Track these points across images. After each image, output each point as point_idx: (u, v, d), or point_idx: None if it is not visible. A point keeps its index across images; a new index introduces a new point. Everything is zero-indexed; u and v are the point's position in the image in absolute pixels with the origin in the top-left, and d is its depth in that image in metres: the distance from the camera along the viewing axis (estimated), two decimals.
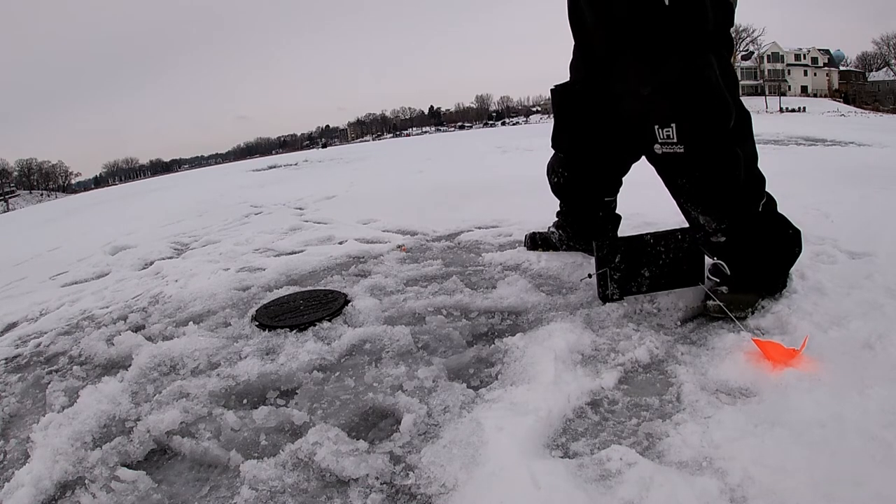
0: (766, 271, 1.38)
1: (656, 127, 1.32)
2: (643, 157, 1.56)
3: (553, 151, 1.86)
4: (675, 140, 1.30)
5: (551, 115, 1.83)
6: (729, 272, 1.41)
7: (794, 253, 1.41)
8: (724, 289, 1.38)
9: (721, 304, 1.32)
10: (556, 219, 2.03)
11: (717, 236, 1.38)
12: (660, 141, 1.33)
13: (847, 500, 0.74)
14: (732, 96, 1.28)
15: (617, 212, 1.91)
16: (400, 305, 1.63)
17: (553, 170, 1.88)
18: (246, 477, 0.94)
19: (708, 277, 1.47)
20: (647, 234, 1.42)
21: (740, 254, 1.37)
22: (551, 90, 1.75)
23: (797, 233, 1.42)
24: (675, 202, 1.48)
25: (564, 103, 1.74)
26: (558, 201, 1.96)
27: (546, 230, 2.06)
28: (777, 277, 1.39)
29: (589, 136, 1.70)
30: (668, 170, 1.38)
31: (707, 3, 1.26)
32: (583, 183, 1.82)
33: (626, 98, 1.42)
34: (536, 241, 2.05)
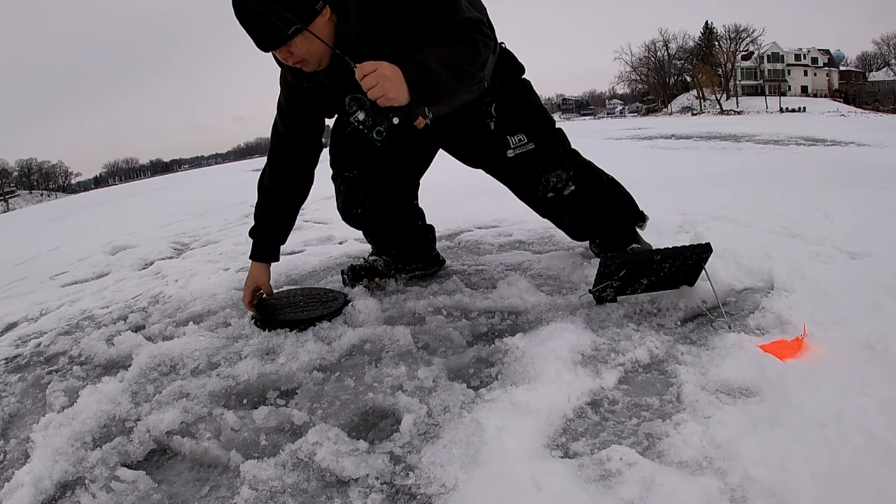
0: (620, 205, 1.75)
1: (508, 136, 1.61)
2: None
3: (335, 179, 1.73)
4: (526, 141, 1.62)
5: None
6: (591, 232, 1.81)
7: (625, 190, 1.79)
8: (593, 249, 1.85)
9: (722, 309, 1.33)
10: (373, 248, 1.91)
11: (568, 187, 1.67)
12: (513, 146, 1.62)
13: (847, 499, 0.74)
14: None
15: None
16: (400, 305, 1.63)
17: (352, 202, 1.73)
18: (246, 477, 0.94)
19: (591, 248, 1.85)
20: (657, 252, 1.38)
21: (592, 196, 1.71)
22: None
23: (613, 177, 1.80)
24: (523, 194, 1.75)
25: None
26: (369, 236, 1.86)
27: (364, 260, 1.88)
28: (633, 207, 1.77)
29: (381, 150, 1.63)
30: (522, 165, 1.64)
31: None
32: (390, 199, 1.74)
33: (458, 126, 1.62)
34: (359, 273, 1.80)
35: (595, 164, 1.78)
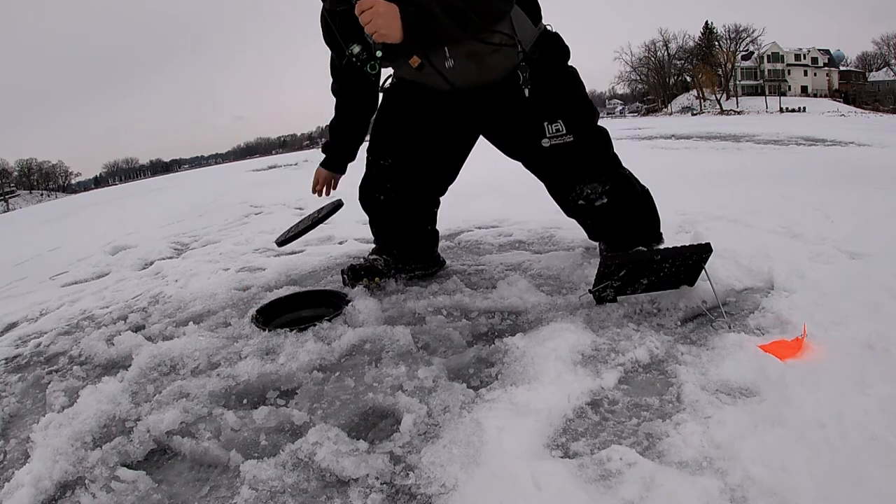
0: (646, 215, 1.71)
1: (545, 123, 1.54)
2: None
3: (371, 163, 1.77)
4: (564, 132, 1.54)
5: None
6: (609, 240, 1.73)
7: (654, 205, 1.74)
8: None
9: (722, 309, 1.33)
10: (375, 244, 1.92)
11: (601, 199, 1.62)
12: (549, 135, 1.55)
13: (847, 499, 0.74)
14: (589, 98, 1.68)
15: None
16: (400, 305, 1.63)
17: (376, 187, 1.75)
18: (246, 477, 0.94)
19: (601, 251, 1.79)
20: (657, 252, 1.38)
21: (621, 211, 1.65)
22: (384, 90, 1.75)
23: (647, 189, 1.73)
24: (556, 187, 1.70)
25: (395, 102, 1.71)
26: (376, 227, 1.88)
27: (364, 260, 1.86)
28: (655, 227, 1.73)
29: (426, 142, 1.67)
30: (557, 159, 1.59)
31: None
32: (414, 195, 1.75)
33: (495, 100, 1.59)
34: (358, 272, 1.78)
35: (633, 174, 1.71)
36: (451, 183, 1.86)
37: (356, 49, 1.30)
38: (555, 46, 1.60)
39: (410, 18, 1.23)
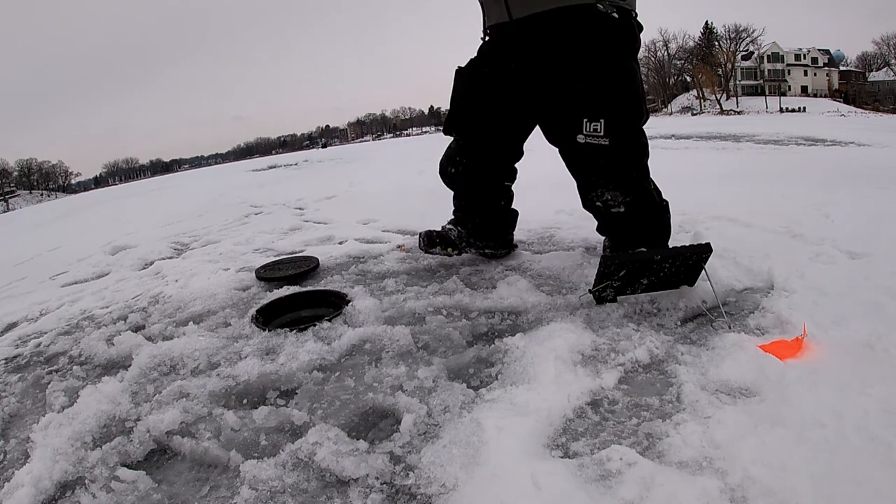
0: (657, 228, 1.70)
1: (585, 120, 1.52)
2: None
3: (447, 147, 1.89)
4: (601, 133, 1.52)
5: None
6: (615, 240, 1.75)
7: (668, 220, 1.74)
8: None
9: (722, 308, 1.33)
10: (453, 216, 2.00)
11: (618, 208, 1.64)
12: (585, 132, 1.53)
13: (847, 499, 0.74)
14: (644, 100, 1.59)
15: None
16: (400, 305, 1.63)
17: (450, 160, 1.88)
18: (246, 477, 0.94)
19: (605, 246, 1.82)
20: (657, 252, 1.38)
21: (634, 220, 1.66)
22: (456, 70, 1.80)
23: (667, 203, 1.74)
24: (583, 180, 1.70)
25: (470, 84, 1.77)
26: (456, 199, 1.98)
27: (442, 228, 1.94)
28: (664, 241, 1.71)
29: (489, 119, 1.74)
30: (587, 157, 1.59)
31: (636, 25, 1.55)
32: (483, 169, 1.84)
33: (549, 88, 1.58)
34: (434, 240, 1.88)
35: (657, 187, 1.72)
36: (516, 160, 1.90)
37: None
38: (629, 33, 1.52)
39: None
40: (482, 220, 1.91)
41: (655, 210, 1.69)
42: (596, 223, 1.83)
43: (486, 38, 1.74)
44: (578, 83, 1.51)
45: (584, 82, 1.50)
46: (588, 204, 1.74)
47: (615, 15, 1.47)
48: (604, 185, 1.63)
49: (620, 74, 1.51)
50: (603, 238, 1.87)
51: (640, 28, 1.58)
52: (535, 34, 1.54)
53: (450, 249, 1.89)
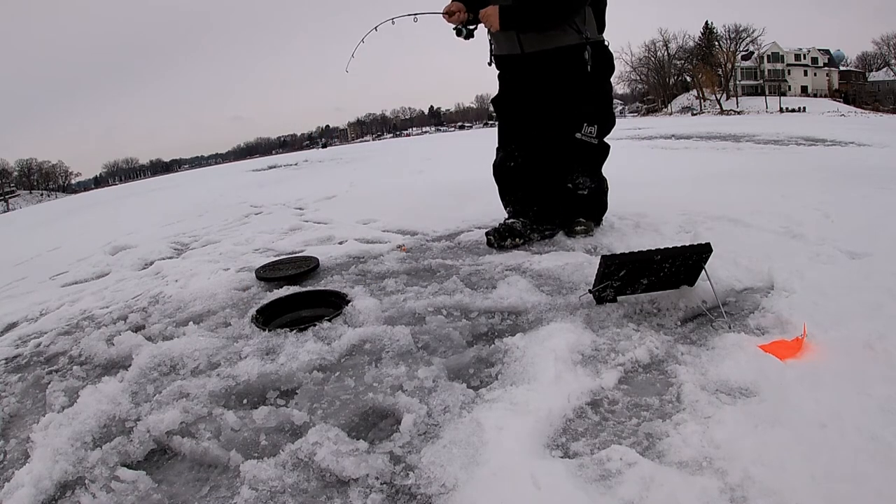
0: (600, 207, 2.24)
1: (584, 123, 2.09)
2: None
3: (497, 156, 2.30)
4: (594, 135, 2.11)
5: None
6: (580, 215, 2.19)
7: (607, 199, 2.27)
8: (581, 221, 2.18)
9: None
10: (510, 211, 2.31)
11: (583, 190, 2.15)
12: (582, 132, 2.09)
13: (847, 499, 0.74)
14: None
15: (609, 206, 2.29)
16: (400, 305, 1.63)
17: (508, 158, 2.26)
18: (246, 477, 0.94)
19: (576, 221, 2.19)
20: (657, 252, 1.38)
21: (592, 197, 2.17)
22: (492, 100, 2.35)
23: (607, 186, 2.27)
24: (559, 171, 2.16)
25: (503, 104, 2.28)
26: (509, 195, 2.30)
27: (503, 224, 2.19)
28: (603, 212, 2.27)
29: (528, 123, 2.20)
30: (577, 150, 2.12)
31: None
32: (539, 157, 2.18)
33: (557, 99, 2.11)
34: (504, 234, 2.14)
35: (603, 175, 2.26)
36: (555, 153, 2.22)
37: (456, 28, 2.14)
38: (606, 59, 2.10)
39: (507, 13, 1.94)
40: (544, 204, 2.21)
41: (604, 192, 2.23)
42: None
43: (492, 64, 2.26)
44: (588, 106, 2.08)
45: (588, 102, 2.09)
46: (560, 187, 2.15)
47: (590, 52, 2.03)
48: (580, 171, 2.15)
49: (605, 95, 2.13)
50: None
51: (611, 54, 2.15)
52: (543, 64, 2.08)
53: (518, 240, 2.13)
